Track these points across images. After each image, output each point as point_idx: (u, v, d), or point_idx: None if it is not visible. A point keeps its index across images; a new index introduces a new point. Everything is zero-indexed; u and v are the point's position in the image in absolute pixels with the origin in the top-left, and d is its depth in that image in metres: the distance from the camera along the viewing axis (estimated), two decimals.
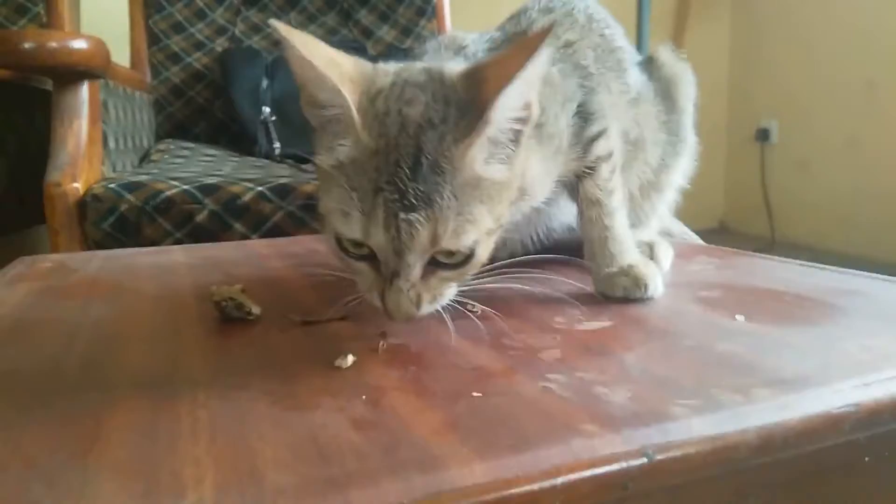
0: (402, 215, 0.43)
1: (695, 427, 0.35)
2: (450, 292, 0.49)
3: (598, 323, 0.53)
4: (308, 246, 0.89)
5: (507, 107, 0.45)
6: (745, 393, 0.39)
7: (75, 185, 1.19)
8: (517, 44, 0.46)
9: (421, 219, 0.43)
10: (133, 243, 1.17)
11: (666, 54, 0.75)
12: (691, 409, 0.37)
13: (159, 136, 1.80)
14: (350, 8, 1.97)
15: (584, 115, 0.61)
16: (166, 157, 1.61)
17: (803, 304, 0.56)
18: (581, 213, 0.62)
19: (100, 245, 1.18)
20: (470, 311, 0.56)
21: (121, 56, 1.81)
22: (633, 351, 0.46)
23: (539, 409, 0.38)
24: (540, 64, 0.45)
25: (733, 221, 3.39)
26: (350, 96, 0.45)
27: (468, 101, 0.46)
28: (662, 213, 0.79)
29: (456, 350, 0.48)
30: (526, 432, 0.35)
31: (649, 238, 0.70)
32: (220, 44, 1.88)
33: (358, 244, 0.47)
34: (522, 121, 0.48)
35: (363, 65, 0.50)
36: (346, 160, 0.46)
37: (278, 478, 0.31)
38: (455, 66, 0.50)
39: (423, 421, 0.37)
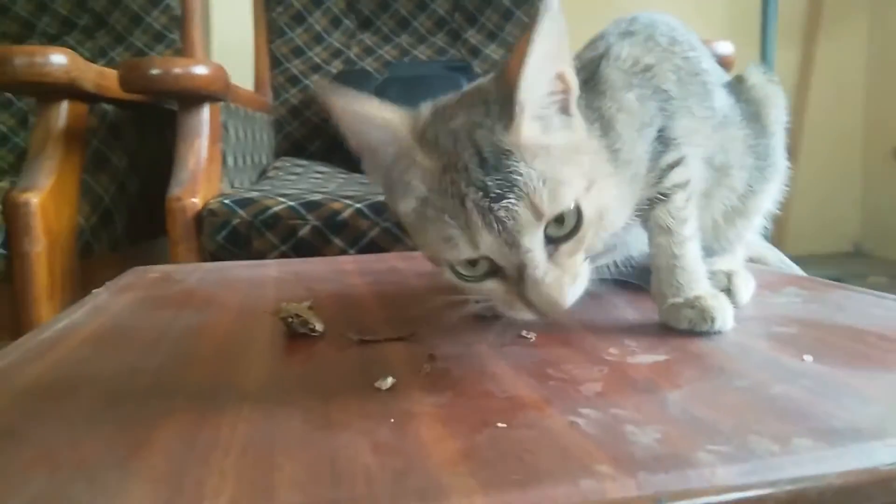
0: (495, 207, 0.44)
1: (718, 476, 0.34)
2: (584, 268, 0.49)
3: (652, 356, 0.51)
4: (391, 263, 0.92)
5: (534, 84, 0.46)
6: (785, 441, 0.36)
7: (194, 200, 1.29)
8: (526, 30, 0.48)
9: (513, 200, 0.44)
10: (244, 255, 1.25)
11: (756, 75, 0.71)
12: (720, 455, 0.35)
13: (278, 154, 1.91)
14: (459, 28, 2.01)
15: (664, 141, 0.59)
16: (281, 174, 1.71)
17: (887, 346, 0.52)
18: (651, 239, 0.60)
19: (214, 256, 1.27)
20: (524, 337, 0.57)
21: (248, 79, 1.95)
22: (679, 389, 0.45)
23: (560, 444, 0.37)
24: (546, 34, 0.45)
25: (870, 245, 3.13)
26: (401, 126, 0.48)
27: (502, 95, 0.47)
28: (749, 240, 0.75)
29: (496, 377, 0.48)
30: (539, 468, 0.35)
31: (729, 267, 0.67)
32: (336, 66, 1.97)
33: (473, 263, 0.47)
34: (562, 92, 0.49)
35: (402, 109, 0.51)
36: (424, 193, 0.47)
37: (288, 496, 0.33)
38: (486, 77, 0.52)
39: (441, 449, 0.37)
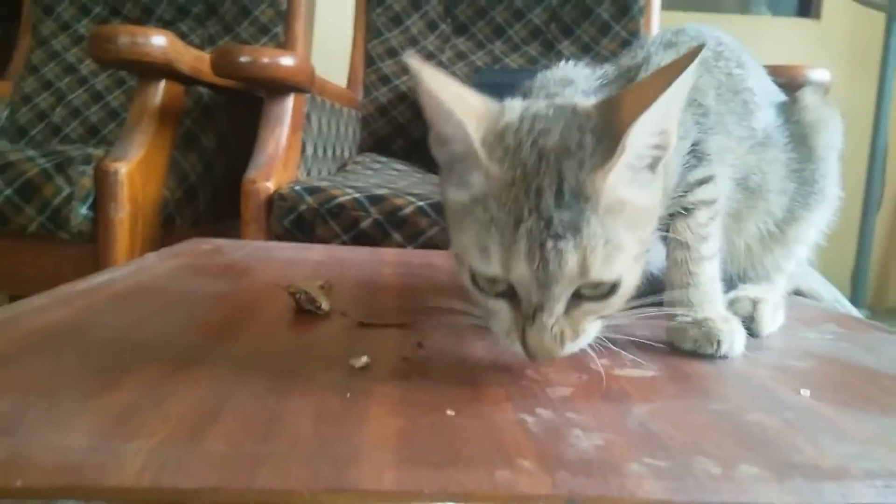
0: (549, 244, 0.41)
1: (643, 488, 0.32)
2: (593, 328, 0.46)
3: (639, 371, 0.50)
4: (429, 259, 0.93)
5: (643, 132, 0.43)
6: (730, 466, 0.34)
7: (268, 184, 1.35)
8: (659, 70, 0.46)
9: (570, 247, 0.41)
10: (307, 241, 1.30)
11: (810, 97, 0.67)
12: (654, 469, 0.34)
13: (362, 149, 1.96)
14: (553, 39, 2.00)
15: (697, 156, 0.57)
16: (359, 168, 1.76)
17: None
18: (668, 254, 0.58)
19: (280, 239, 1.32)
20: None
21: (343, 75, 2.02)
22: (650, 404, 0.43)
23: (495, 437, 0.37)
24: (679, 91, 0.43)
25: None
26: (474, 132, 0.44)
27: (604, 127, 0.44)
28: (795, 272, 0.70)
29: (473, 370, 0.48)
30: (461, 454, 0.34)
31: (758, 295, 0.63)
32: None
33: (495, 281, 0.45)
34: (660, 147, 0.46)
35: (490, 102, 0.49)
36: (480, 195, 0.45)
37: (213, 446, 0.34)
38: (586, 100, 0.49)
39: (380, 425, 0.38)
